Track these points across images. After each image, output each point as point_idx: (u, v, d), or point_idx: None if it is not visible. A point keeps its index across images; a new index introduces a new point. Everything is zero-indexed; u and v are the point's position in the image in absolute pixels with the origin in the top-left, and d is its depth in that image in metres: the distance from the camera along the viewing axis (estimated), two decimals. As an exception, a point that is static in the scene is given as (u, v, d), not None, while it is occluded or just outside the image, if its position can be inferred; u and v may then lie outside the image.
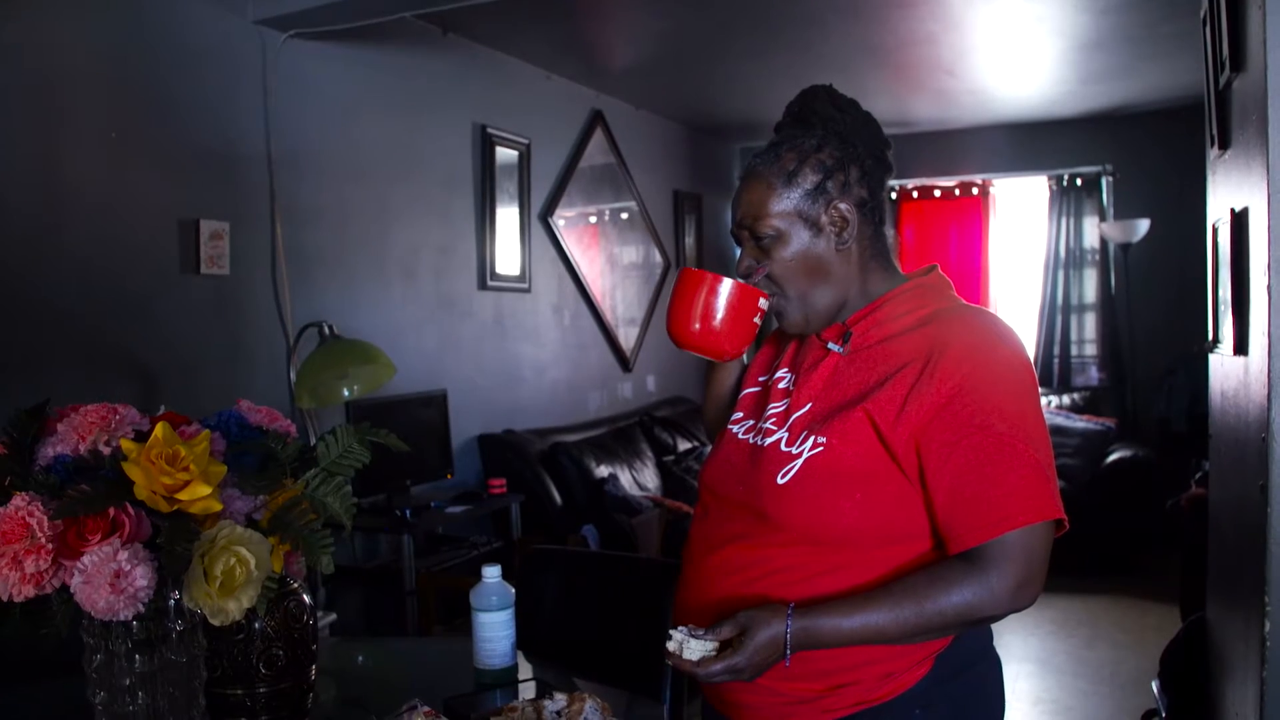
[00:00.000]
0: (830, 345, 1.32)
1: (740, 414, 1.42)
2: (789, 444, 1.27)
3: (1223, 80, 1.98)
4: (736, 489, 1.32)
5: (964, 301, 1.33)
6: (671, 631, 1.19)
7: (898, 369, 1.23)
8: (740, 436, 1.38)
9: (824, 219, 1.30)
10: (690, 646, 1.17)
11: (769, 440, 1.31)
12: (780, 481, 1.25)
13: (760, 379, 1.44)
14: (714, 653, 1.17)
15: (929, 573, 1.19)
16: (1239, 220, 1.84)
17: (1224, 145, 2.06)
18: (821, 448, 1.24)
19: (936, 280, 1.35)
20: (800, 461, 1.24)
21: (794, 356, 1.39)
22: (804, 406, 1.30)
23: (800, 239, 1.30)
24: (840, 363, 1.30)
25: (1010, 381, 1.21)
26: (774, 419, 1.33)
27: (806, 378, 1.32)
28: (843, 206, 1.30)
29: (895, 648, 1.22)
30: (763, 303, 1.33)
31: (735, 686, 1.28)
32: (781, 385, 1.36)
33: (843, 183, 1.30)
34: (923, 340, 1.24)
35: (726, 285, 1.31)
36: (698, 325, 1.32)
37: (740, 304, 1.32)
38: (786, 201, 1.29)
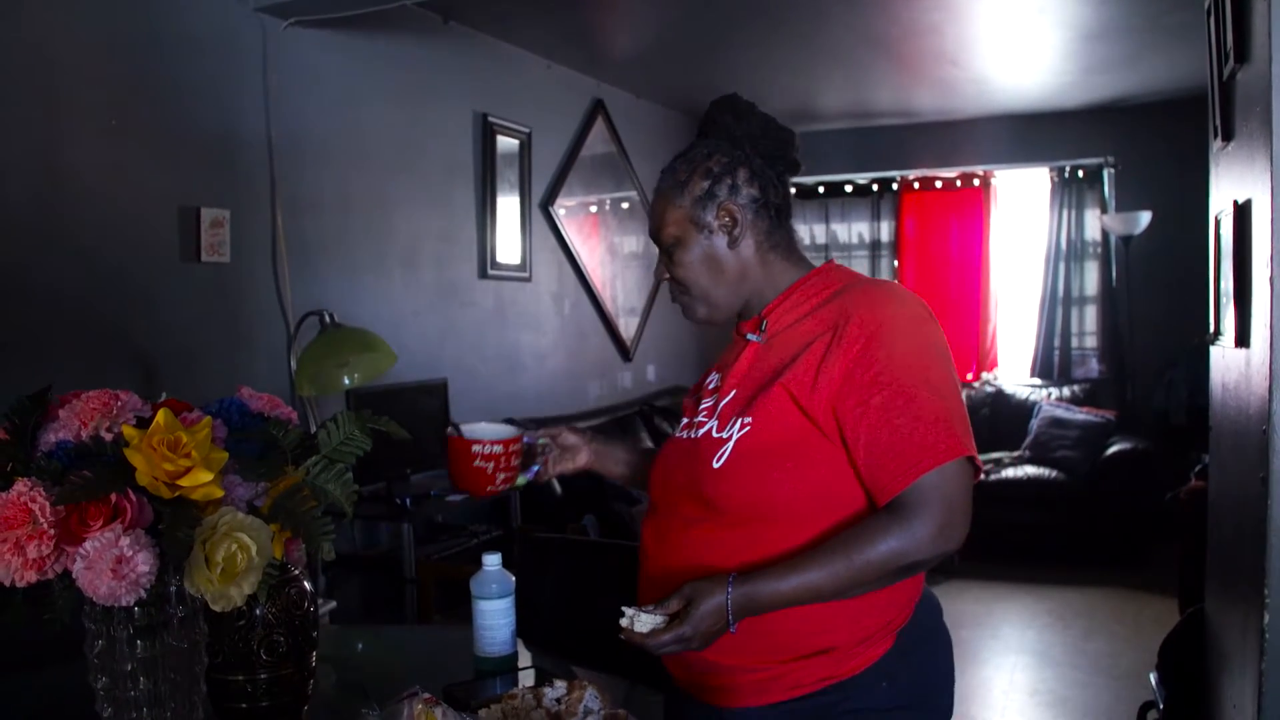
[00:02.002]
0: (749, 336, 1.42)
1: (685, 419, 1.50)
2: (719, 430, 1.36)
3: (1226, 72, 1.97)
4: (678, 477, 1.40)
5: (868, 277, 1.42)
6: (623, 609, 1.26)
7: (809, 342, 1.32)
8: (678, 435, 1.47)
9: (714, 221, 1.40)
10: (641, 620, 1.24)
11: (701, 431, 1.39)
12: (716, 466, 1.33)
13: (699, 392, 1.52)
14: (663, 625, 1.24)
15: (857, 528, 1.26)
16: (1241, 212, 1.84)
17: (1227, 137, 2.05)
18: (748, 428, 1.31)
19: (837, 266, 1.45)
20: (731, 444, 1.32)
21: (722, 360, 1.49)
22: (729, 394, 1.39)
23: (696, 242, 1.41)
24: (760, 350, 1.40)
25: (908, 337, 1.29)
26: (705, 412, 1.42)
27: (730, 371, 1.41)
28: (732, 207, 1.39)
29: (850, 618, 1.28)
30: (496, 443, 1.50)
31: (706, 670, 1.35)
32: (711, 386, 1.46)
33: (731, 185, 1.40)
34: (830, 314, 1.33)
35: (490, 446, 1.50)
36: (501, 478, 1.52)
37: (508, 450, 1.52)
38: (679, 210, 1.42)
